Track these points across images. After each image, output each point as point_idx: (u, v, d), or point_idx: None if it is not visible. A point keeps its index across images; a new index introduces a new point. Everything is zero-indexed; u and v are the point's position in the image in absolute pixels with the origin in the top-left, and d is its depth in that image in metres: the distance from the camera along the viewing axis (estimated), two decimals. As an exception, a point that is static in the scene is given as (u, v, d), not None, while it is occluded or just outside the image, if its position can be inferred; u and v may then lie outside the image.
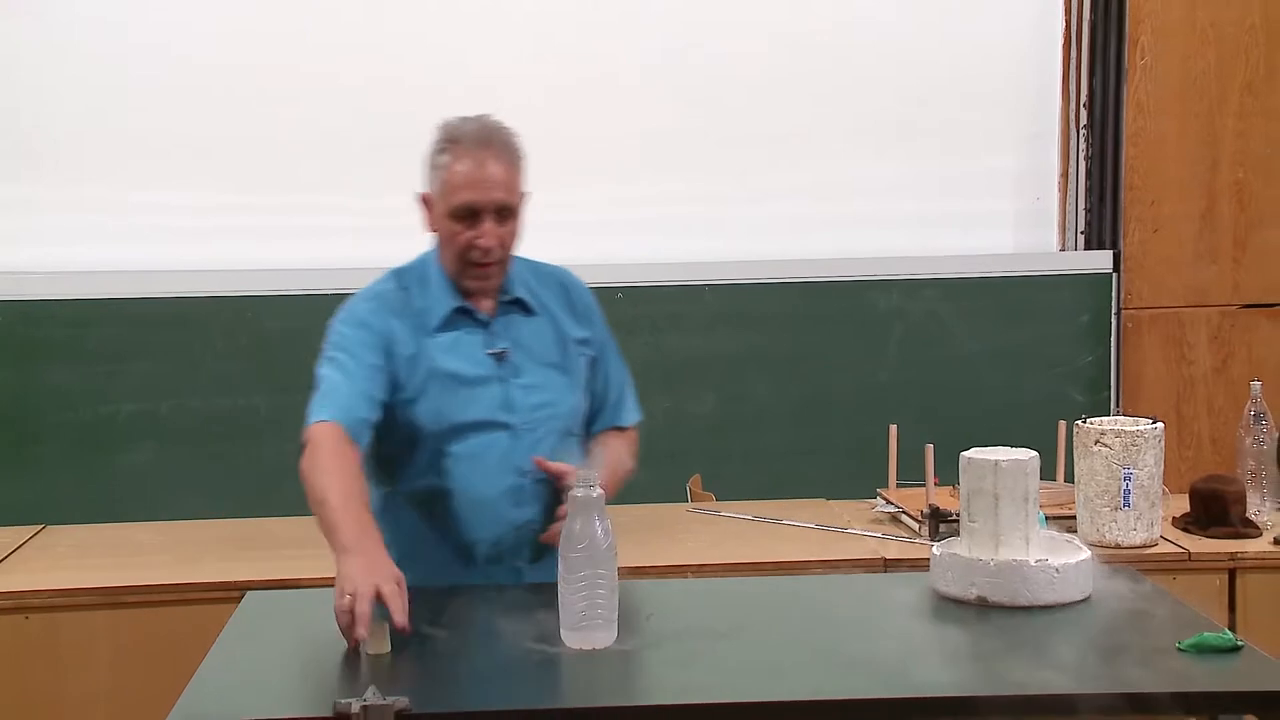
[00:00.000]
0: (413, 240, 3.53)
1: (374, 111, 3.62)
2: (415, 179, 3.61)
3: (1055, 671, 2.00)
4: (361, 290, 2.49)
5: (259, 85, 3.61)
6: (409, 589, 2.09)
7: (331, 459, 2.25)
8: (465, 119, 2.41)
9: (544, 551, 2.41)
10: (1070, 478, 3.21)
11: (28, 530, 3.36)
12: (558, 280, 2.57)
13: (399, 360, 2.40)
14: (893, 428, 3.42)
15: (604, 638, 2.01)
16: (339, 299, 3.51)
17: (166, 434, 3.56)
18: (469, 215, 2.37)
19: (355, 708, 1.75)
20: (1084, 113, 3.78)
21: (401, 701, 1.76)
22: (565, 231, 3.68)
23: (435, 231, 2.45)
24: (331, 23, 3.66)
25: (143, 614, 2.89)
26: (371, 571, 2.06)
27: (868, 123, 3.76)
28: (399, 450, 2.44)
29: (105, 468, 3.54)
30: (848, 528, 3.30)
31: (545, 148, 3.65)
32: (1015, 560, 2.18)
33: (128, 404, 3.55)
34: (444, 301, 2.44)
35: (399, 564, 2.15)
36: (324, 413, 2.31)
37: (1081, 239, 3.80)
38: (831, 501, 3.56)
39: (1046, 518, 2.76)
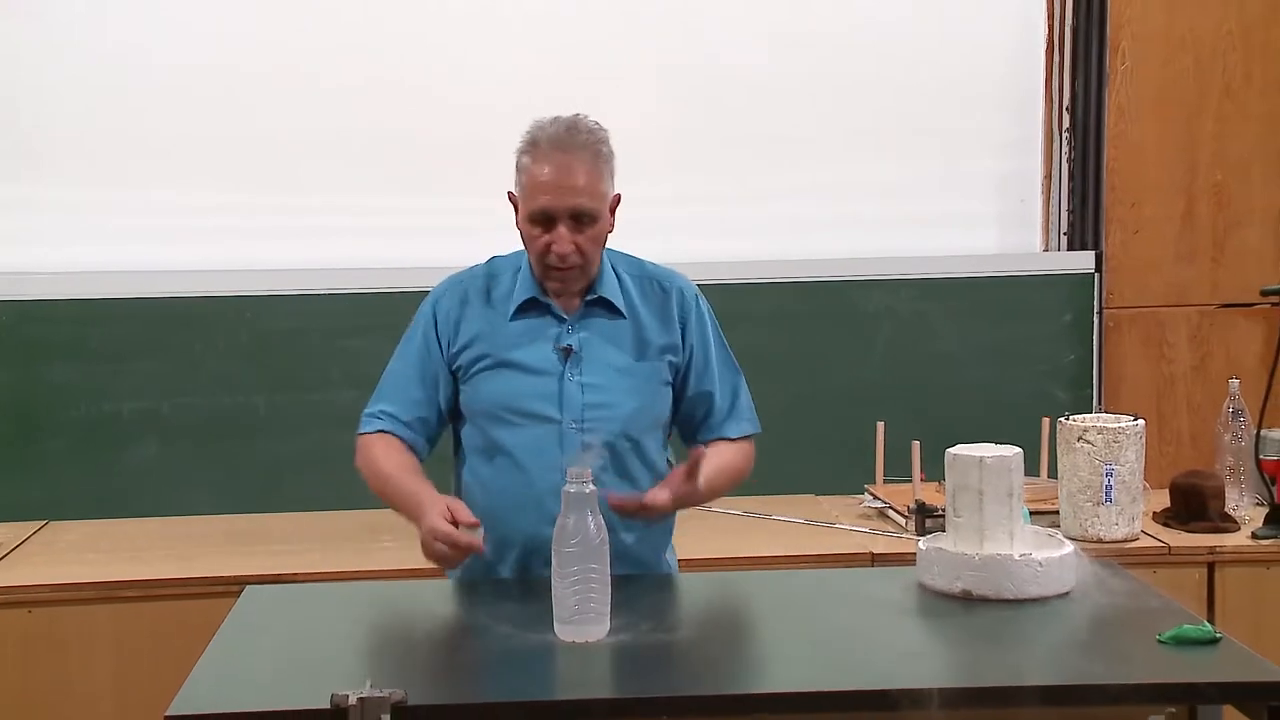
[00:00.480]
0: (412, 241, 3.62)
1: (373, 112, 3.63)
2: (415, 179, 3.67)
3: (1038, 663, 2.04)
4: (446, 278, 2.54)
5: (260, 86, 3.63)
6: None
7: (381, 458, 2.44)
8: (554, 120, 2.39)
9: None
10: (1054, 473, 3.26)
11: (31, 526, 3.39)
12: (660, 284, 2.54)
13: (465, 345, 2.45)
14: (880, 425, 3.46)
15: (597, 631, 2.04)
16: (338, 299, 3.60)
17: (167, 432, 3.57)
18: (545, 220, 2.36)
19: (352, 700, 1.76)
20: (1066, 117, 3.81)
21: (398, 693, 1.77)
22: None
23: (521, 233, 2.44)
24: (332, 24, 3.66)
25: (143, 608, 2.93)
26: (429, 518, 2.24)
27: (856, 126, 3.78)
28: (465, 435, 2.49)
29: (107, 465, 3.55)
30: (836, 523, 3.34)
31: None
32: (1000, 554, 2.21)
33: (129, 402, 3.56)
34: (522, 292, 2.45)
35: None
36: (375, 424, 2.48)
37: (1064, 240, 3.83)
38: (820, 497, 3.60)
39: (1030, 513, 2.80)
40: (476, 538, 2.24)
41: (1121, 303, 3.80)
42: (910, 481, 3.27)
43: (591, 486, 2.06)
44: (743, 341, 3.72)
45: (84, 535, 3.33)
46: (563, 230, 2.35)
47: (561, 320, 2.46)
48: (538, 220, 2.37)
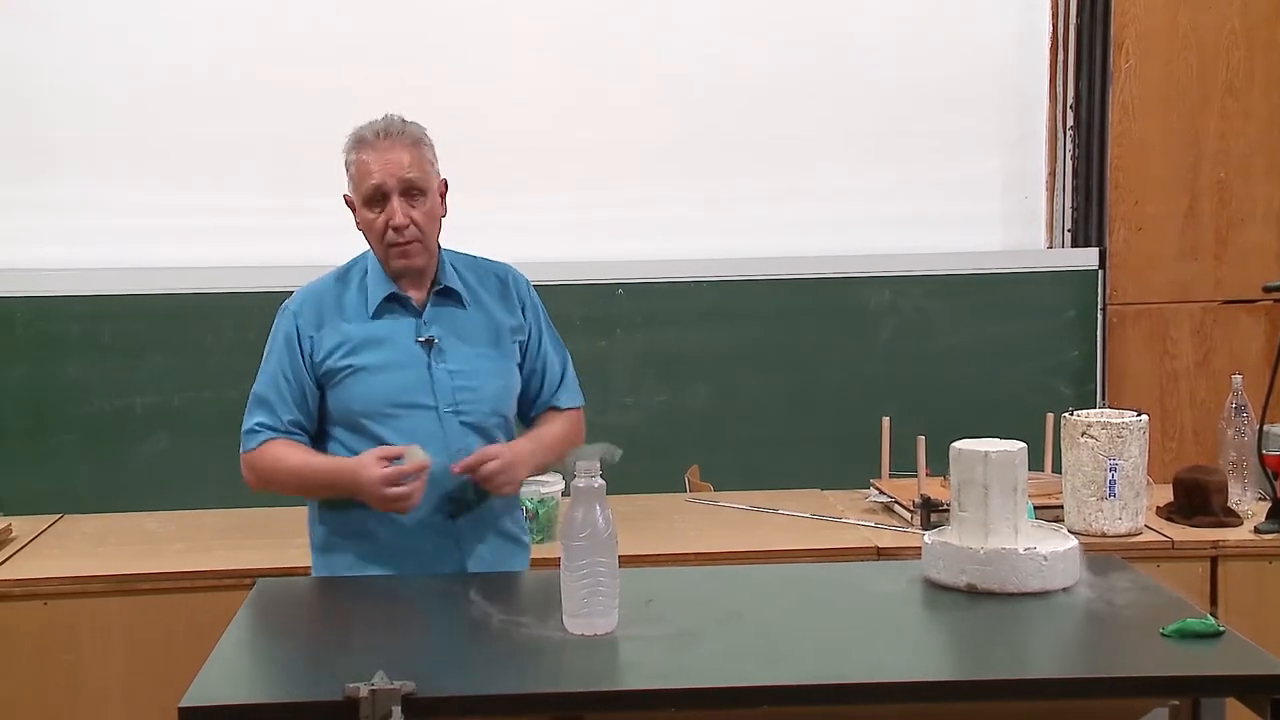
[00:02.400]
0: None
1: (382, 114, 3.66)
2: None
3: (1043, 656, 2.06)
4: (299, 290, 2.64)
5: (270, 87, 3.65)
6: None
7: (282, 458, 2.56)
8: (371, 121, 2.55)
9: (478, 525, 2.57)
10: (1058, 468, 3.27)
11: (45, 519, 3.40)
12: (495, 274, 2.69)
13: (329, 353, 2.55)
14: (885, 420, 3.47)
15: (605, 623, 2.05)
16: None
17: (179, 426, 3.60)
18: (379, 199, 2.50)
19: (364, 691, 1.77)
20: (1070, 115, 3.82)
21: (408, 685, 1.79)
22: (566, 232, 3.75)
23: (361, 229, 2.57)
24: (347, 26, 3.69)
25: (156, 601, 2.95)
26: (366, 467, 2.43)
27: (861, 126, 3.79)
28: (343, 439, 2.57)
29: (120, 459, 3.58)
30: (842, 517, 3.36)
31: (545, 152, 3.75)
32: (1004, 549, 2.22)
33: (142, 396, 3.59)
34: (379, 290, 2.57)
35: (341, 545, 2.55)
36: (258, 438, 2.58)
37: (1068, 237, 3.84)
38: (826, 492, 3.61)
39: (1034, 507, 2.82)
40: (421, 458, 2.41)
41: (1125, 299, 3.81)
42: (915, 476, 3.28)
43: (600, 480, 2.07)
44: (750, 338, 3.77)
45: (97, 528, 3.34)
46: (396, 203, 2.49)
47: (417, 314, 2.58)
48: (372, 202, 2.51)
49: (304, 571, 2.89)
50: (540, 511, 3.18)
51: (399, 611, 2.34)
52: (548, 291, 3.66)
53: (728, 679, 1.91)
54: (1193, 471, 3.26)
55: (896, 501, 3.35)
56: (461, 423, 2.54)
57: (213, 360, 3.61)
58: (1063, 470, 3.16)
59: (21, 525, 3.29)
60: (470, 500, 2.55)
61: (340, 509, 2.55)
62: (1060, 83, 3.83)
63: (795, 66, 3.77)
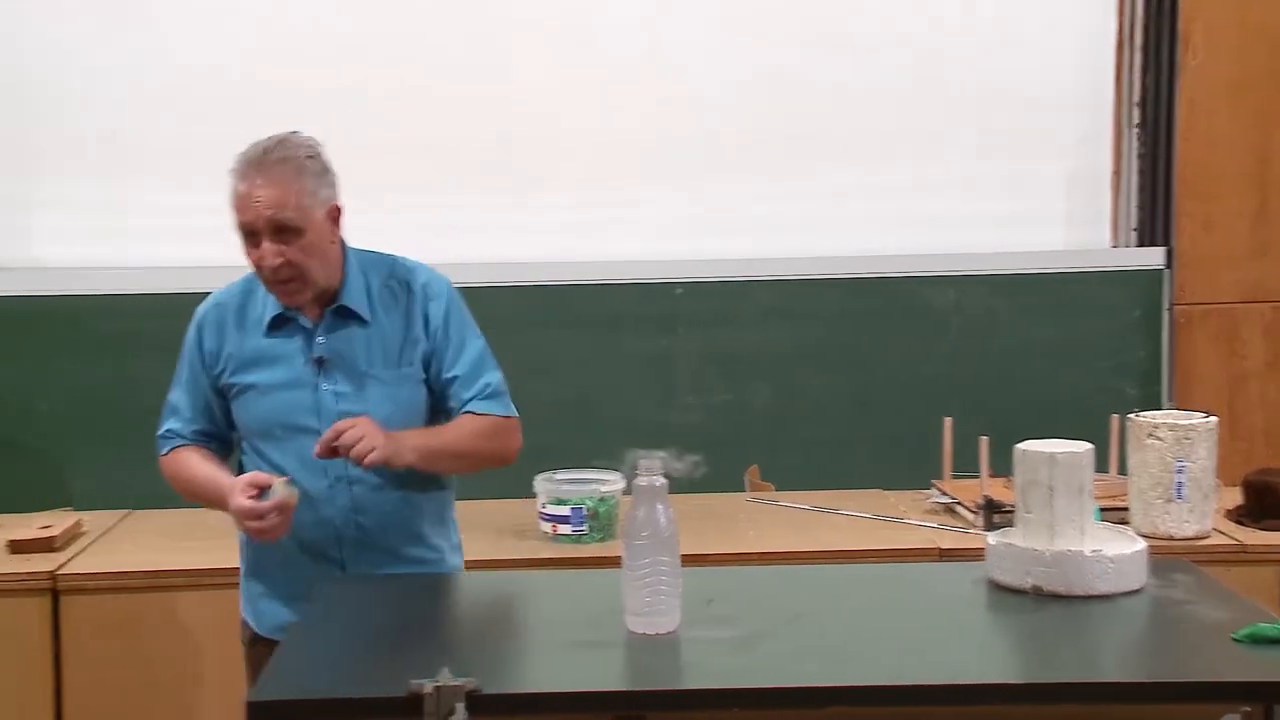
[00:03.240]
0: (465, 239, 3.65)
1: (420, 115, 3.70)
2: (457, 178, 3.71)
3: (1110, 659, 2.04)
4: (210, 297, 2.60)
5: (312, 91, 3.67)
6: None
7: (183, 467, 2.55)
8: (260, 140, 2.44)
9: (364, 549, 2.48)
10: (1123, 470, 3.24)
11: (115, 515, 3.47)
12: (404, 281, 2.54)
13: (223, 370, 2.53)
14: (948, 420, 3.45)
15: (667, 622, 2.05)
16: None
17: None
18: (251, 234, 2.40)
19: (428, 688, 1.78)
20: (1137, 111, 3.78)
21: (472, 682, 1.79)
22: (626, 231, 3.76)
23: None
24: (387, 29, 3.72)
25: (224, 595, 2.93)
26: (232, 495, 2.38)
27: (924, 124, 3.77)
28: (244, 453, 2.56)
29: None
30: (903, 518, 3.35)
31: (604, 151, 3.75)
32: (1070, 550, 2.20)
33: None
34: (272, 307, 2.50)
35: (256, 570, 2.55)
36: (167, 444, 2.58)
37: (1134, 236, 3.81)
38: (887, 492, 3.61)
39: (1100, 509, 2.79)
40: (286, 496, 2.36)
41: (1192, 299, 3.76)
42: (977, 477, 3.26)
43: (662, 479, 2.07)
44: (811, 337, 3.76)
45: (164, 524, 3.39)
46: (267, 245, 2.38)
47: (309, 332, 2.50)
48: (245, 235, 2.42)
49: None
50: (600, 510, 3.20)
51: (461, 608, 2.36)
52: (607, 290, 3.70)
53: (793, 679, 1.90)
54: (1263, 474, 3.23)
55: (958, 502, 3.34)
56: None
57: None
58: (1128, 472, 3.14)
59: (92, 520, 3.35)
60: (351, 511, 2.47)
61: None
62: (1126, 79, 3.79)
63: (860, 65, 3.76)
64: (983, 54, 3.77)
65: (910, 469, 3.58)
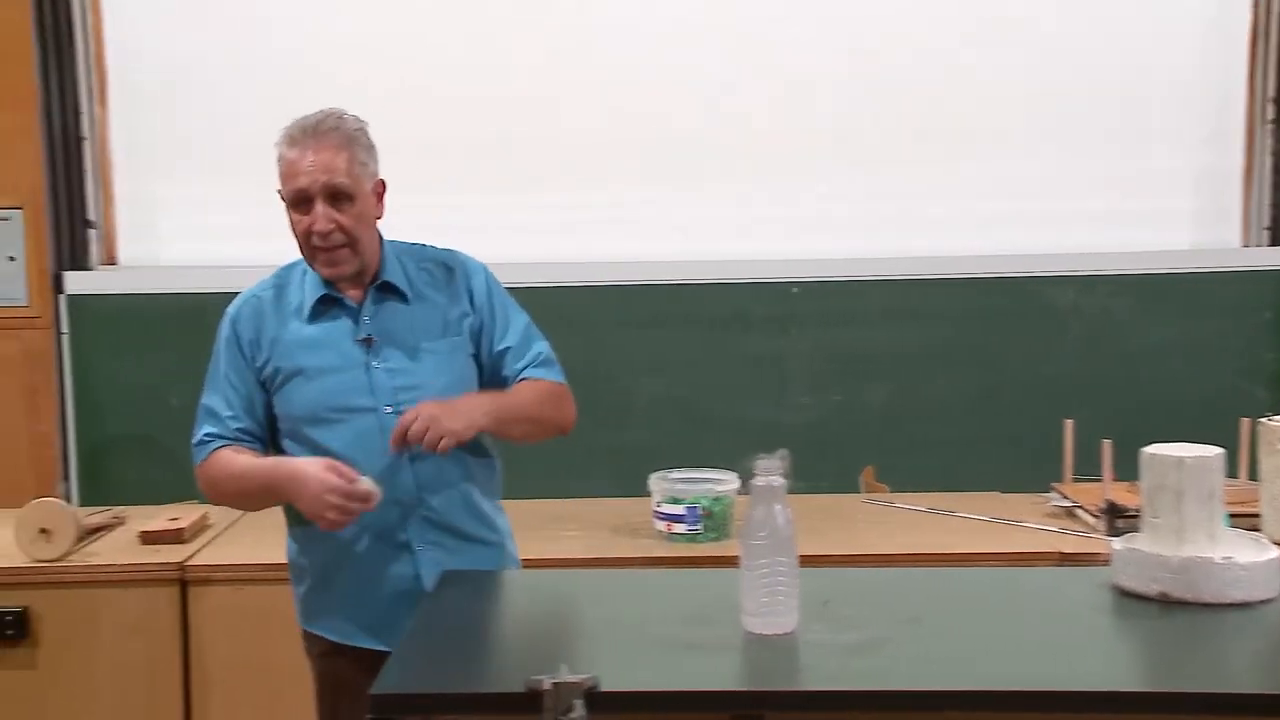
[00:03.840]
0: (560, 238, 3.67)
1: (510, 116, 3.73)
2: (546, 178, 3.72)
3: (1243, 670, 1.99)
4: (240, 294, 2.60)
5: (451, 89, 3.74)
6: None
7: (227, 464, 2.50)
8: (308, 114, 2.47)
9: (429, 527, 2.48)
10: (1253, 476, 3.16)
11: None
12: (441, 263, 2.58)
13: (268, 359, 2.51)
14: (1069, 423, 3.40)
15: (786, 623, 2.04)
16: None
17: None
18: (304, 201, 2.42)
19: (547, 684, 1.78)
20: (1271, 107, 3.68)
21: (590, 679, 1.80)
22: (739, 228, 3.76)
23: (290, 226, 2.50)
24: (484, 29, 3.75)
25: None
26: (310, 467, 2.37)
27: (1046, 121, 3.72)
28: (288, 444, 2.53)
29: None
30: (1022, 521, 3.30)
31: (718, 149, 3.75)
32: (1200, 557, 2.15)
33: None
34: (313, 292, 2.51)
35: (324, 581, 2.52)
36: (207, 448, 2.52)
37: (1266, 235, 3.72)
38: (1005, 495, 3.55)
39: (1229, 516, 2.72)
40: (372, 486, 2.35)
41: (1329, 300, 3.66)
42: (1099, 481, 3.20)
43: (780, 479, 2.06)
44: (927, 337, 3.73)
45: (280, 519, 3.44)
46: (320, 208, 2.41)
47: (354, 312, 2.51)
48: (295, 204, 2.43)
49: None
50: (715, 510, 3.19)
51: (579, 605, 2.36)
52: (722, 289, 3.69)
53: (912, 683, 1.89)
54: (1401, 481, 3.11)
55: (1079, 506, 3.28)
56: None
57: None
58: (1259, 478, 3.06)
59: (217, 513, 3.42)
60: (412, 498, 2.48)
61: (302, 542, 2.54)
62: (1260, 74, 3.69)
63: (981, 60, 3.72)
64: (1108, 48, 3.71)
65: (1029, 472, 3.52)
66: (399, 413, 2.42)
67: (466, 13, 3.77)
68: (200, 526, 3.33)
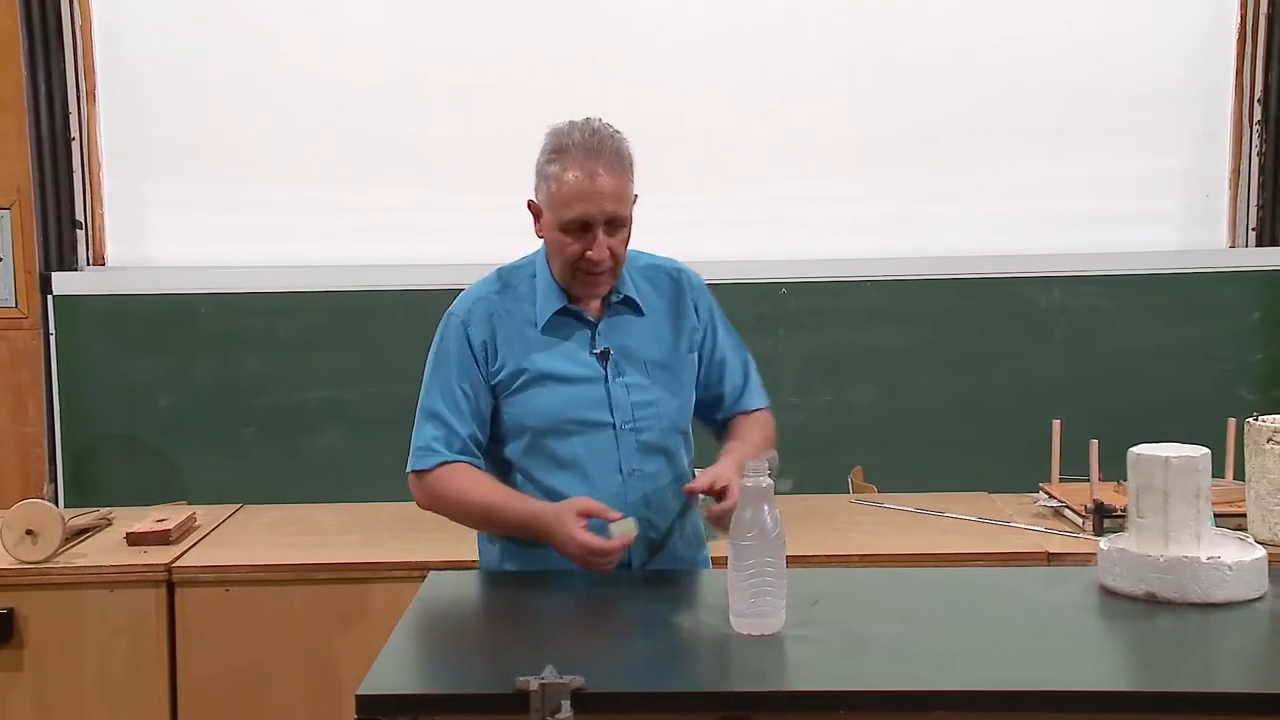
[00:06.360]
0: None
1: (573, 114, 3.71)
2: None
3: (1230, 669, 1.99)
4: (464, 292, 2.50)
5: (431, 91, 3.76)
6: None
7: (464, 488, 2.43)
8: (573, 125, 2.36)
9: (651, 550, 2.43)
10: (1239, 476, 3.16)
11: (227, 508, 3.54)
12: (668, 274, 2.53)
13: (503, 365, 2.43)
14: (1056, 422, 3.40)
15: (773, 624, 2.04)
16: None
17: (352, 419, 3.72)
18: (580, 228, 2.34)
19: (534, 685, 1.78)
20: (1258, 109, 3.70)
21: (577, 680, 1.80)
22: (729, 229, 3.76)
23: (544, 240, 2.43)
24: (504, 29, 3.75)
25: (333, 590, 3.04)
26: (566, 525, 2.30)
27: (1031, 122, 3.74)
28: (513, 452, 2.47)
29: (296, 451, 3.71)
30: (1010, 521, 3.30)
31: (709, 150, 3.75)
32: (1187, 557, 2.15)
33: (317, 390, 3.72)
34: (549, 303, 2.43)
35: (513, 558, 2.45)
36: (433, 457, 2.44)
37: (1253, 236, 3.73)
38: (993, 495, 3.56)
39: (1215, 515, 2.72)
40: (626, 533, 2.31)
41: (1316, 300, 3.67)
42: (1086, 481, 3.20)
43: (769, 480, 2.06)
44: (916, 338, 3.73)
45: (275, 519, 3.45)
46: (601, 237, 2.33)
47: (591, 325, 2.45)
48: (571, 229, 2.34)
49: (474, 565, 2.95)
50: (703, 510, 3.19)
51: (567, 606, 2.36)
52: (710, 290, 3.69)
53: (900, 683, 1.88)
54: (1387, 481, 3.12)
55: (1067, 506, 3.28)
56: (639, 441, 2.42)
57: (383, 356, 3.71)
58: (1246, 478, 3.06)
59: (205, 514, 3.42)
60: (659, 537, 2.44)
61: (525, 545, 2.46)
62: (1248, 75, 3.71)
63: (968, 64, 3.74)
64: (1095, 51, 3.72)
65: (1017, 472, 3.53)
66: (636, 430, 2.41)
67: (461, 11, 3.78)
68: (187, 528, 3.32)
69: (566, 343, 2.43)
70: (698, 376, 2.53)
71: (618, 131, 2.39)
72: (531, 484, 2.46)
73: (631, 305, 2.47)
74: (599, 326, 2.45)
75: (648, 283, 2.50)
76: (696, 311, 2.52)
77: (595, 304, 2.45)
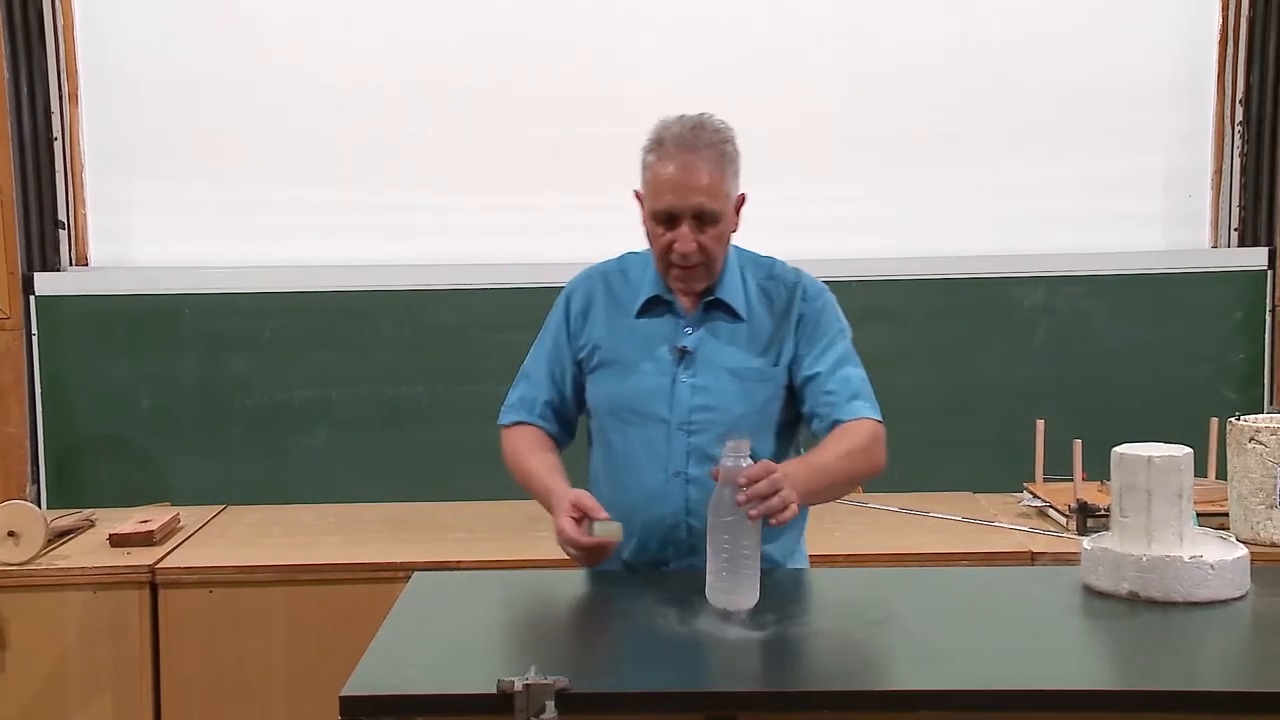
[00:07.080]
0: (572, 238, 3.67)
1: (527, 116, 3.73)
2: (575, 178, 3.72)
3: (1212, 668, 2.00)
4: (587, 267, 2.56)
5: (425, 91, 3.74)
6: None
7: (522, 452, 2.50)
8: (680, 119, 2.37)
9: (691, 555, 2.40)
10: (1222, 475, 3.18)
11: (211, 509, 3.54)
12: (786, 285, 2.48)
13: (588, 340, 2.48)
14: (1040, 422, 3.41)
15: (747, 600, 2.06)
16: (499, 294, 3.68)
17: (336, 421, 3.71)
18: (668, 219, 2.35)
19: (518, 686, 1.78)
20: (1240, 110, 3.71)
21: (561, 680, 1.79)
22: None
23: (645, 228, 2.43)
24: (497, 31, 3.75)
25: (317, 591, 3.04)
26: (558, 512, 2.33)
27: (1018, 123, 3.74)
28: (594, 428, 2.52)
29: (281, 451, 3.70)
30: (994, 521, 3.31)
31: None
32: (1169, 556, 2.16)
33: (302, 391, 3.71)
34: (649, 289, 2.45)
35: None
36: (511, 414, 2.55)
37: (1235, 236, 3.74)
38: (977, 495, 3.57)
39: (1198, 515, 2.74)
40: (608, 535, 2.30)
41: (1296, 300, 3.69)
42: (1070, 480, 3.22)
43: (748, 460, 2.07)
44: (900, 338, 3.74)
45: (259, 519, 3.45)
46: (685, 229, 2.34)
47: (681, 319, 2.44)
48: (661, 219, 2.36)
49: (458, 565, 2.96)
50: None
51: (552, 606, 2.36)
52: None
53: (884, 682, 1.90)
54: (1368, 480, 3.13)
55: (1051, 506, 3.29)
56: (691, 443, 2.39)
57: (368, 357, 3.71)
58: (1228, 477, 3.07)
59: (189, 515, 3.42)
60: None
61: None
62: (1229, 76, 3.72)
63: (953, 65, 3.74)
64: (1078, 51, 3.73)
65: (1001, 472, 3.54)
66: (689, 431, 2.39)
67: (457, 12, 3.78)
68: (170, 529, 3.31)
69: (651, 333, 2.44)
70: (794, 385, 2.46)
71: (725, 127, 2.38)
72: (596, 458, 2.52)
73: (728, 308, 2.45)
74: (687, 323, 2.44)
75: (762, 292, 2.47)
76: (799, 321, 2.45)
77: (690, 300, 2.44)
